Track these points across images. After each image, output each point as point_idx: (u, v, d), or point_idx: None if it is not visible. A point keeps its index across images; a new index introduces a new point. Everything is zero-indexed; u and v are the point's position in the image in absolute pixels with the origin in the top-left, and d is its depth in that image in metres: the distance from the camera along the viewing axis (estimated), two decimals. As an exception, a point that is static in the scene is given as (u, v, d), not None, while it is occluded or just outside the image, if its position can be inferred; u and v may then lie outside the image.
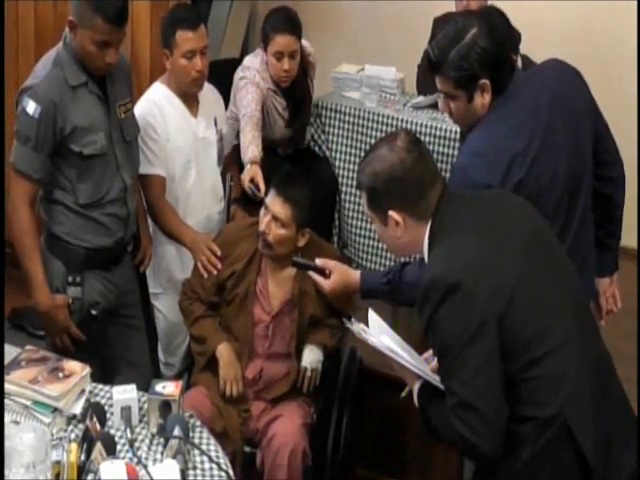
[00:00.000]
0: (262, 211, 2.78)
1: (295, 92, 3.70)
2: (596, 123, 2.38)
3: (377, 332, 2.04)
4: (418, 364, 2.01)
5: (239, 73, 3.58)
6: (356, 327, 2.11)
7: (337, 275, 2.45)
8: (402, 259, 3.01)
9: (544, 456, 1.83)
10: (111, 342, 2.89)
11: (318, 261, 2.48)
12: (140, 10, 3.69)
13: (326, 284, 2.45)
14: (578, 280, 2.04)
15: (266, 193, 2.85)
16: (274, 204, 2.72)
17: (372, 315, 2.10)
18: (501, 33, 2.30)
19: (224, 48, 4.67)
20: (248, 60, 3.66)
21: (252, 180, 3.07)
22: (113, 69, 2.71)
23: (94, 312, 2.78)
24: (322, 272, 2.47)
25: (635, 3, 3.85)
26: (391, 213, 1.91)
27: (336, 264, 2.51)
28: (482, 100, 2.23)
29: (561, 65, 2.39)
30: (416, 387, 1.99)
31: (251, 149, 3.18)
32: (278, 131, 3.73)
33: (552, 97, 2.30)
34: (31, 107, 2.56)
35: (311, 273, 2.48)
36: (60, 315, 2.68)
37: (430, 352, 2.12)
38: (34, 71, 2.66)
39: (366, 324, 2.10)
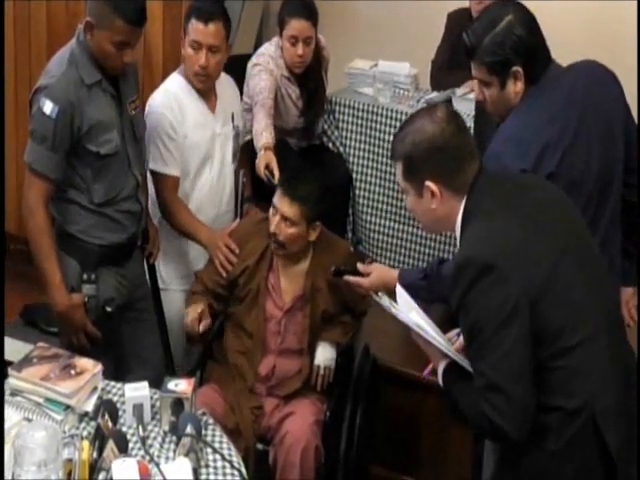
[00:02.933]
0: (271, 211, 2.76)
1: (309, 81, 3.69)
2: (628, 127, 2.36)
3: (405, 308, 2.02)
4: (445, 342, 1.98)
5: (253, 60, 3.57)
6: (385, 301, 2.10)
7: (376, 272, 2.47)
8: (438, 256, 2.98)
9: (569, 449, 1.82)
10: (123, 338, 2.88)
11: (360, 266, 2.47)
12: (154, 8, 3.67)
13: (365, 282, 2.46)
14: (610, 278, 2.03)
15: (280, 179, 2.83)
16: (282, 204, 2.71)
17: (400, 291, 2.07)
18: (535, 22, 2.27)
19: (237, 44, 4.66)
20: (263, 47, 3.66)
21: (267, 166, 3.03)
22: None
23: (109, 309, 2.77)
24: (361, 276, 2.50)
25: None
26: (428, 183, 1.89)
27: (375, 264, 2.55)
28: (515, 88, 2.23)
29: (597, 65, 2.37)
30: (442, 366, 1.96)
31: (265, 135, 3.15)
32: (292, 120, 3.71)
33: (587, 94, 2.28)
34: (48, 107, 2.54)
35: (348, 277, 2.47)
36: (77, 314, 2.68)
37: (454, 332, 2.11)
38: (48, 70, 2.64)
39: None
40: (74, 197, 2.69)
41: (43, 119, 2.55)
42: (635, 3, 3.70)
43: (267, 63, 3.52)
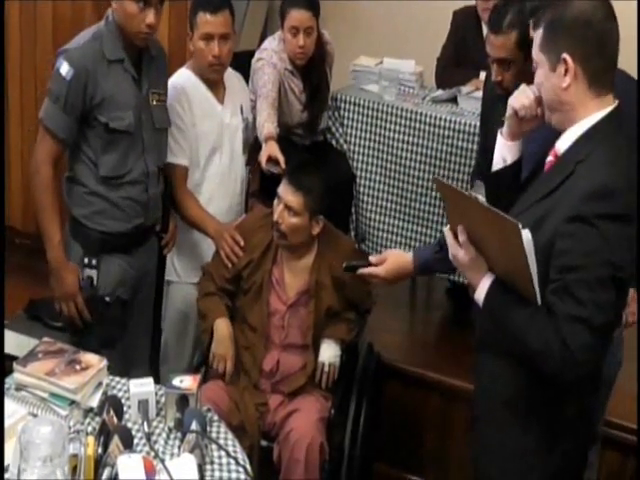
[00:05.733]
0: (275, 200, 2.77)
1: (312, 75, 3.68)
2: None
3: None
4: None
5: (256, 55, 3.58)
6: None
7: (390, 259, 2.35)
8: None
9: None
10: (116, 330, 2.86)
11: (372, 258, 2.39)
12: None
13: (380, 270, 2.33)
14: None
15: (285, 170, 2.84)
16: (286, 193, 2.73)
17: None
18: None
19: (242, 41, 4.66)
20: (266, 42, 3.67)
21: (269, 159, 3.02)
22: (152, 57, 2.76)
23: (108, 299, 2.79)
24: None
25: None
26: (565, 56, 1.79)
27: (388, 251, 2.45)
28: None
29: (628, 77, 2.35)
30: (486, 282, 1.87)
31: (267, 126, 3.15)
32: (295, 115, 3.71)
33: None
34: (64, 69, 2.62)
35: (362, 270, 2.40)
36: (68, 278, 2.73)
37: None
38: (73, 40, 2.71)
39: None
40: (81, 177, 2.74)
41: (59, 79, 2.63)
42: (635, 3, 3.69)
43: (270, 57, 3.52)
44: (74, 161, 2.75)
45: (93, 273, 2.77)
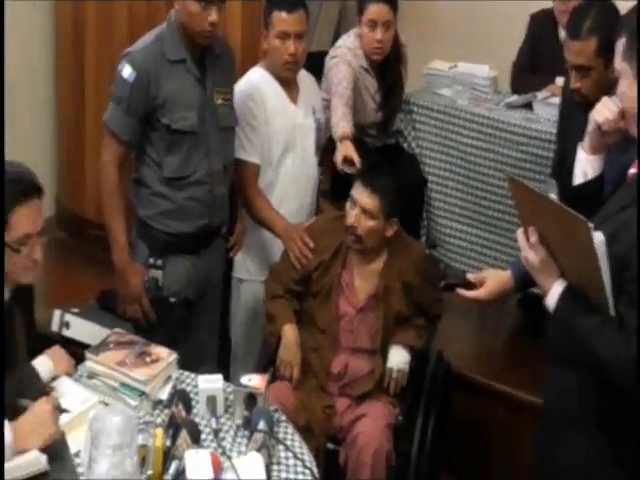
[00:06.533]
0: (348, 204, 2.74)
1: (387, 73, 3.64)
2: None
3: None
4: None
5: (330, 53, 3.56)
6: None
7: (490, 280, 2.21)
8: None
9: None
10: (182, 329, 2.88)
11: (470, 277, 2.27)
12: (233, 8, 3.65)
13: (481, 293, 2.19)
14: None
15: (359, 171, 2.79)
16: (361, 196, 2.69)
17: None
18: None
19: (315, 41, 4.65)
20: (340, 40, 3.65)
21: (344, 159, 2.97)
22: (216, 56, 2.77)
23: (173, 300, 2.80)
24: (472, 286, 2.27)
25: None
26: None
27: (487, 271, 2.35)
28: None
29: None
30: (558, 288, 1.81)
31: (342, 125, 3.11)
32: (369, 115, 3.67)
33: None
34: (127, 71, 2.66)
35: (460, 290, 2.32)
36: (133, 280, 2.76)
37: None
38: (136, 43, 2.75)
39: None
40: (146, 178, 2.76)
41: (121, 82, 2.67)
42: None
43: (344, 54, 3.49)
44: (139, 163, 2.77)
45: (158, 274, 2.79)
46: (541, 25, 4.11)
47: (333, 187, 3.47)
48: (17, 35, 4.04)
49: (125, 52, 2.72)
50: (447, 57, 4.26)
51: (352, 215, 2.70)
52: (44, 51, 4.32)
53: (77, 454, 2.02)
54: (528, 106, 3.90)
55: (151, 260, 2.78)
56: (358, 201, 2.69)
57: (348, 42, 3.57)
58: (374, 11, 3.46)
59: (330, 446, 2.69)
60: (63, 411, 2.08)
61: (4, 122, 1.74)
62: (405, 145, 4.01)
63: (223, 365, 3.03)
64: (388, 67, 3.64)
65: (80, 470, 1.97)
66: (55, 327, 2.99)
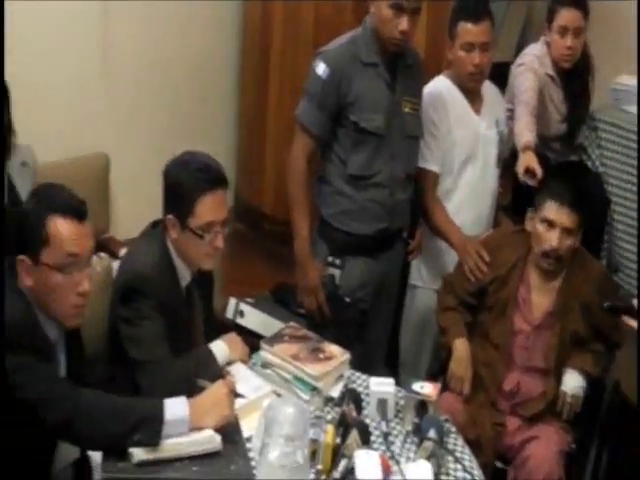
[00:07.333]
0: (542, 226, 2.62)
1: (574, 83, 3.51)
2: None
3: None
4: None
5: (517, 61, 3.48)
6: None
7: None
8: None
9: None
10: (353, 328, 2.88)
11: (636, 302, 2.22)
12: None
13: None
14: None
15: (542, 182, 2.71)
16: (560, 216, 2.60)
17: None
18: None
19: (498, 51, 4.54)
20: (528, 48, 3.55)
21: (527, 170, 2.86)
22: (407, 66, 2.79)
23: (347, 299, 2.81)
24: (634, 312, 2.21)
25: None
26: None
27: None
28: None
29: None
30: None
31: (525, 134, 3.00)
32: (553, 126, 3.54)
33: None
34: (320, 68, 2.72)
35: (628, 319, 2.22)
36: (312, 272, 2.79)
37: None
38: (331, 43, 2.81)
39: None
40: (330, 176, 2.81)
41: (315, 78, 2.73)
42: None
43: (531, 62, 3.40)
44: (325, 160, 2.82)
45: (336, 272, 2.82)
46: None
47: (513, 202, 3.37)
48: (203, 27, 4.21)
49: (320, 50, 2.79)
50: (634, 72, 4.03)
51: (553, 239, 2.60)
52: (229, 47, 4.45)
53: (249, 439, 2.05)
54: None
55: (330, 259, 2.82)
56: (556, 222, 2.60)
57: (535, 49, 3.48)
58: (566, 17, 3.35)
59: (498, 464, 2.62)
60: (238, 396, 2.12)
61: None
62: (589, 163, 3.84)
63: (390, 369, 3.01)
64: (575, 76, 3.51)
65: (251, 455, 2.00)
66: (230, 315, 3.09)
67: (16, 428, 1.87)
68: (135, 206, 3.70)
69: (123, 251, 3.03)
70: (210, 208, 2.22)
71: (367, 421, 2.18)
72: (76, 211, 1.95)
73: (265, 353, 2.33)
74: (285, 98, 4.15)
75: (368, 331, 2.92)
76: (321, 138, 2.78)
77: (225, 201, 2.29)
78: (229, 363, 2.32)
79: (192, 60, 4.21)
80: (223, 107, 4.48)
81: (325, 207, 2.84)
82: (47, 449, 2.03)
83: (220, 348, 2.32)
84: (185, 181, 2.23)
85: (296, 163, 2.78)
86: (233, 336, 2.40)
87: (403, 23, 2.63)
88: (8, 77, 3.04)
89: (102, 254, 2.64)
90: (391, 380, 2.28)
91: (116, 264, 2.44)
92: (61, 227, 1.93)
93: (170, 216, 2.26)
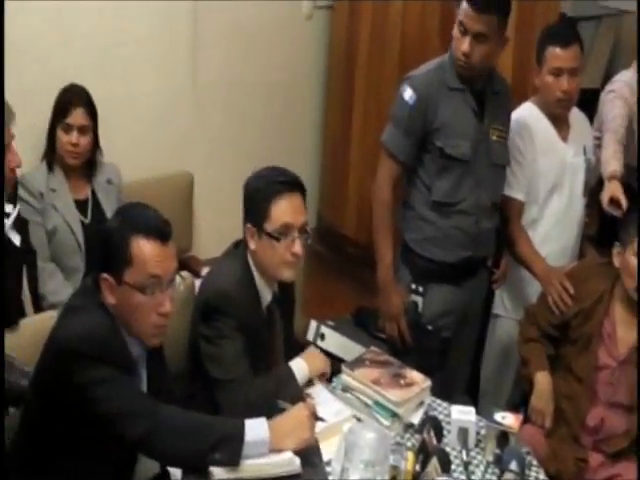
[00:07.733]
0: (634, 259, 2.55)
1: None
2: None
3: None
4: None
5: (607, 87, 3.40)
6: None
7: None
8: None
9: None
10: (434, 356, 2.86)
11: None
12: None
13: None
14: None
15: (627, 212, 2.64)
16: None
17: None
18: None
19: (585, 77, 4.45)
20: (619, 74, 3.46)
21: (611, 200, 2.80)
22: (495, 93, 2.78)
23: (430, 327, 2.79)
24: None
25: None
26: None
27: None
28: None
29: None
30: None
31: (611, 163, 2.92)
32: None
33: None
34: (407, 94, 2.72)
35: None
36: (394, 298, 2.79)
37: None
38: (418, 68, 2.81)
39: None
40: (414, 202, 2.80)
41: (402, 104, 2.73)
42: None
43: (621, 89, 3.31)
44: (410, 186, 2.82)
45: (418, 299, 2.81)
46: None
47: (599, 232, 3.29)
48: (290, 49, 4.25)
49: (407, 76, 2.79)
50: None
51: None
52: (315, 71, 4.47)
53: (328, 463, 2.05)
54: None
55: (413, 286, 2.81)
56: None
57: (626, 76, 3.40)
58: None
59: (580, 500, 2.55)
60: (318, 419, 2.12)
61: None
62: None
63: (471, 398, 2.97)
64: None
65: (330, 478, 1.99)
66: (311, 337, 3.11)
67: (97, 441, 1.91)
68: (217, 226, 3.75)
69: (205, 270, 3.07)
70: (285, 210, 2.23)
71: (447, 449, 2.16)
72: (160, 232, 1.96)
73: (346, 377, 2.34)
74: (370, 122, 4.17)
75: (450, 359, 2.90)
76: (407, 164, 2.78)
77: (302, 206, 2.28)
78: (310, 382, 2.33)
79: (278, 83, 4.27)
80: (308, 130, 4.53)
81: (408, 232, 2.84)
82: (128, 463, 2.07)
83: (300, 366, 2.33)
84: (262, 187, 2.26)
85: (381, 189, 2.78)
86: (312, 351, 2.41)
87: (464, 44, 2.63)
88: (96, 97, 3.15)
89: (185, 273, 2.69)
90: (472, 409, 2.26)
91: (198, 282, 2.48)
92: (144, 248, 1.93)
93: (248, 225, 2.29)
